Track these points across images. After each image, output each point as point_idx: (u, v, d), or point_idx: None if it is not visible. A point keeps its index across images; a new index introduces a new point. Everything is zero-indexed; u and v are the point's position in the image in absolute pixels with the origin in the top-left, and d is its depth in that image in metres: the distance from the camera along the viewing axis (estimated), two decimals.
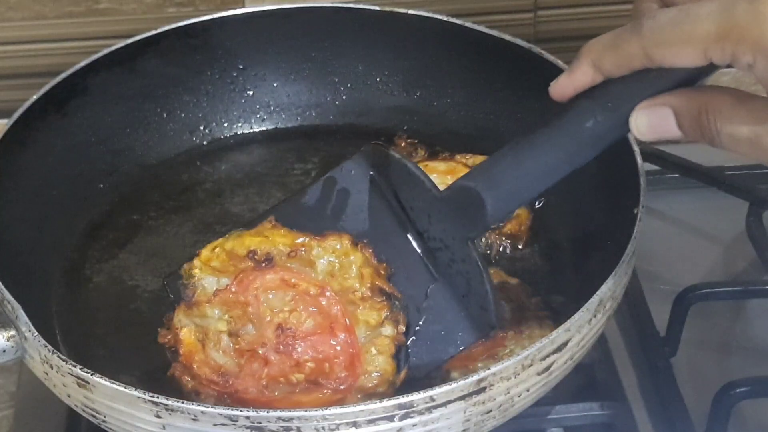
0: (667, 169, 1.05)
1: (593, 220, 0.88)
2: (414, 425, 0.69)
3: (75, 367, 0.71)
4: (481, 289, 0.76)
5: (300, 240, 0.79)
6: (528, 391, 0.73)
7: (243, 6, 1.06)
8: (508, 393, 0.71)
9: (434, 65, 1.01)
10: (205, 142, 1.02)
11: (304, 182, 0.98)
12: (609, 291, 0.75)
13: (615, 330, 0.94)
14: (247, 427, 0.68)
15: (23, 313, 0.74)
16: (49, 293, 0.88)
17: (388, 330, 0.78)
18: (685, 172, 1.04)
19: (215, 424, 0.68)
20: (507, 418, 0.74)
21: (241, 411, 0.67)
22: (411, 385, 0.76)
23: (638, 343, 0.93)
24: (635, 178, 0.81)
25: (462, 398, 0.69)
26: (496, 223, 0.78)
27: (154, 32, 0.97)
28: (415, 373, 0.78)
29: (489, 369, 0.69)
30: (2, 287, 0.75)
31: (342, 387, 0.77)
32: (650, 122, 0.66)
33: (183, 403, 0.68)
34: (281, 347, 0.77)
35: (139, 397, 0.69)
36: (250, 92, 1.03)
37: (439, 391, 0.68)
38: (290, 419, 0.67)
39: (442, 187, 0.77)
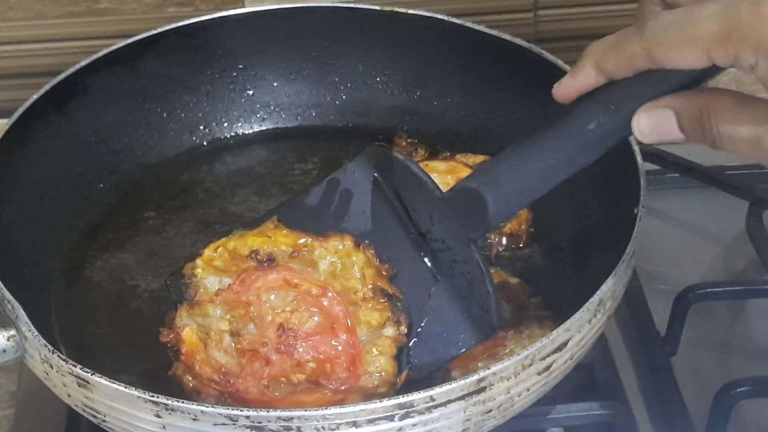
0: (667, 169, 1.05)
1: (593, 219, 0.88)
2: (414, 425, 0.69)
3: (75, 366, 0.71)
4: (482, 290, 0.76)
5: (302, 240, 0.79)
6: (528, 390, 0.73)
7: (243, 6, 1.06)
8: (508, 393, 0.71)
9: (434, 65, 1.01)
10: (205, 142, 1.02)
11: (304, 182, 0.98)
12: (609, 291, 0.75)
13: (615, 330, 0.94)
14: (247, 427, 0.68)
15: (23, 313, 0.74)
16: (49, 293, 0.88)
17: (389, 331, 0.78)
18: (685, 172, 1.04)
19: (215, 424, 0.68)
20: (507, 417, 0.74)
21: (241, 411, 0.67)
22: (412, 385, 0.77)
23: (638, 343, 0.93)
24: (635, 178, 0.81)
25: (462, 398, 0.69)
26: (498, 224, 0.78)
27: (154, 32, 0.97)
28: (416, 373, 0.78)
29: (489, 369, 0.69)
30: (2, 287, 0.75)
31: (343, 387, 0.77)
32: (652, 124, 0.66)
33: (183, 402, 0.68)
34: (282, 347, 0.77)
35: (139, 397, 0.69)
36: (250, 92, 1.03)
37: (439, 391, 0.68)
38: (290, 419, 0.67)
39: (442, 187, 0.77)
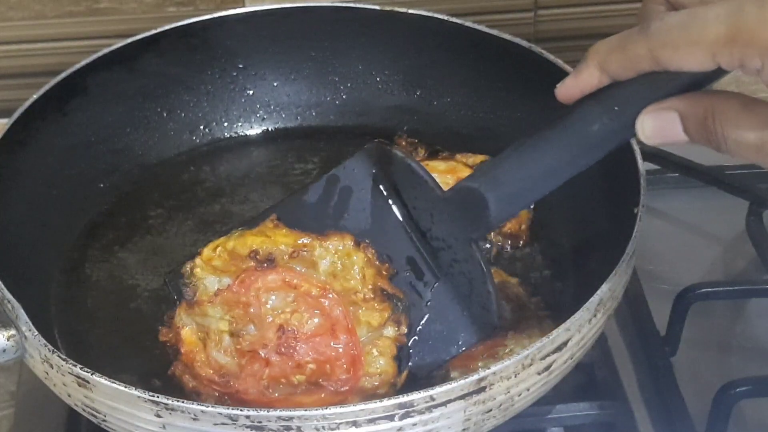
0: (667, 169, 1.05)
1: (593, 219, 0.88)
2: (414, 425, 0.69)
3: (75, 366, 0.71)
4: (483, 289, 0.76)
5: (302, 240, 0.79)
6: (528, 390, 0.73)
7: (243, 5, 1.06)
8: (508, 392, 0.71)
9: (434, 65, 1.01)
10: (205, 142, 1.02)
11: (305, 182, 0.97)
12: (609, 290, 0.75)
13: (615, 329, 0.94)
14: (247, 427, 0.68)
15: (23, 313, 0.74)
16: (49, 292, 0.88)
17: (389, 331, 0.78)
18: (685, 172, 1.04)
19: (215, 424, 0.68)
20: (507, 417, 0.74)
21: (241, 410, 0.67)
22: (412, 384, 0.77)
23: (638, 343, 0.93)
24: (635, 178, 0.81)
25: (462, 397, 0.69)
26: (499, 224, 0.78)
27: (154, 32, 0.97)
28: (416, 373, 0.78)
29: (489, 368, 0.69)
30: (2, 286, 0.75)
31: (343, 389, 0.76)
32: (656, 126, 0.66)
33: (183, 402, 0.68)
34: (282, 348, 0.77)
35: (139, 397, 0.69)
36: (250, 92, 1.03)
37: (439, 391, 0.68)
38: (290, 418, 0.67)
39: (442, 187, 0.77)
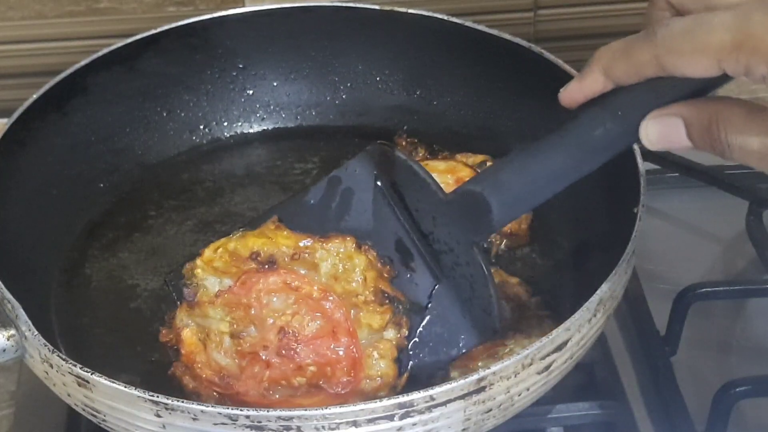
0: (667, 168, 1.05)
1: (593, 219, 0.88)
2: (414, 424, 0.69)
3: (75, 366, 0.71)
4: (484, 292, 0.76)
5: (303, 242, 0.79)
6: (528, 390, 0.73)
7: (243, 5, 1.06)
8: (508, 392, 0.71)
9: (434, 64, 1.01)
10: (205, 142, 1.02)
11: (304, 182, 0.97)
12: (609, 290, 0.75)
13: (615, 329, 0.94)
14: (247, 427, 0.68)
15: (23, 313, 0.74)
16: (48, 292, 0.88)
17: (390, 333, 0.78)
18: (685, 172, 1.04)
19: (215, 424, 0.68)
20: (507, 417, 0.74)
21: (240, 410, 0.67)
22: (412, 384, 0.77)
23: (638, 343, 0.93)
24: (635, 178, 0.81)
25: (462, 397, 0.69)
26: (501, 227, 0.78)
27: (153, 31, 0.97)
28: (416, 375, 0.78)
29: (489, 368, 0.69)
30: (2, 286, 0.75)
31: (343, 391, 0.76)
32: (660, 132, 0.66)
33: (183, 402, 0.68)
34: (283, 350, 0.77)
35: (139, 397, 0.69)
36: (250, 91, 1.03)
37: (439, 391, 0.68)
38: (290, 418, 0.67)
39: (443, 187, 0.77)
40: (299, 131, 1.03)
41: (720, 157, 0.64)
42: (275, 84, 1.03)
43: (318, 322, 0.77)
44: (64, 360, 0.71)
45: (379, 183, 0.80)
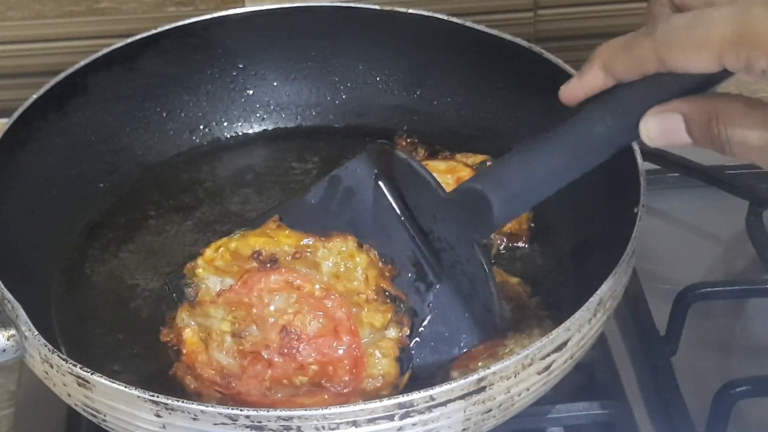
0: (667, 168, 1.05)
1: (593, 219, 0.88)
2: (414, 424, 0.69)
3: (75, 366, 0.71)
4: (485, 290, 0.76)
5: (305, 241, 0.79)
6: (528, 390, 0.73)
7: (243, 5, 1.06)
8: (508, 392, 0.71)
9: (434, 64, 1.01)
10: (205, 142, 1.02)
11: (304, 182, 0.97)
12: (609, 290, 0.75)
13: (615, 329, 0.94)
14: (247, 426, 0.68)
15: (23, 313, 0.74)
16: (49, 292, 0.88)
17: (392, 332, 0.78)
18: (685, 172, 1.04)
19: (215, 424, 0.68)
20: (507, 417, 0.74)
21: (241, 410, 0.67)
22: (412, 384, 0.77)
23: (638, 343, 0.93)
24: (635, 177, 0.81)
25: (462, 397, 0.69)
26: (502, 225, 0.78)
27: (153, 31, 0.97)
28: (418, 373, 0.78)
29: (489, 368, 0.69)
30: (2, 286, 0.75)
31: (345, 390, 0.76)
32: (660, 128, 0.66)
33: (183, 402, 0.68)
34: (285, 350, 0.77)
35: (139, 397, 0.69)
36: (250, 92, 1.03)
37: (439, 390, 0.68)
38: (290, 418, 0.67)
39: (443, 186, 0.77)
40: (299, 131, 1.03)
41: (720, 153, 0.64)
42: (275, 84, 1.03)
43: (320, 321, 0.77)
44: (64, 360, 0.71)
45: (379, 182, 0.80)
